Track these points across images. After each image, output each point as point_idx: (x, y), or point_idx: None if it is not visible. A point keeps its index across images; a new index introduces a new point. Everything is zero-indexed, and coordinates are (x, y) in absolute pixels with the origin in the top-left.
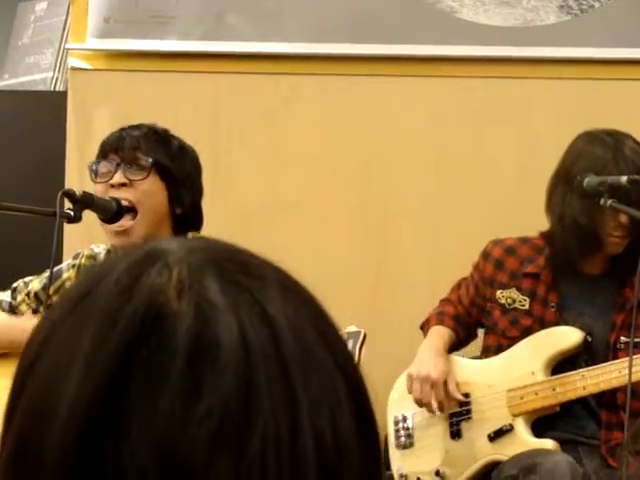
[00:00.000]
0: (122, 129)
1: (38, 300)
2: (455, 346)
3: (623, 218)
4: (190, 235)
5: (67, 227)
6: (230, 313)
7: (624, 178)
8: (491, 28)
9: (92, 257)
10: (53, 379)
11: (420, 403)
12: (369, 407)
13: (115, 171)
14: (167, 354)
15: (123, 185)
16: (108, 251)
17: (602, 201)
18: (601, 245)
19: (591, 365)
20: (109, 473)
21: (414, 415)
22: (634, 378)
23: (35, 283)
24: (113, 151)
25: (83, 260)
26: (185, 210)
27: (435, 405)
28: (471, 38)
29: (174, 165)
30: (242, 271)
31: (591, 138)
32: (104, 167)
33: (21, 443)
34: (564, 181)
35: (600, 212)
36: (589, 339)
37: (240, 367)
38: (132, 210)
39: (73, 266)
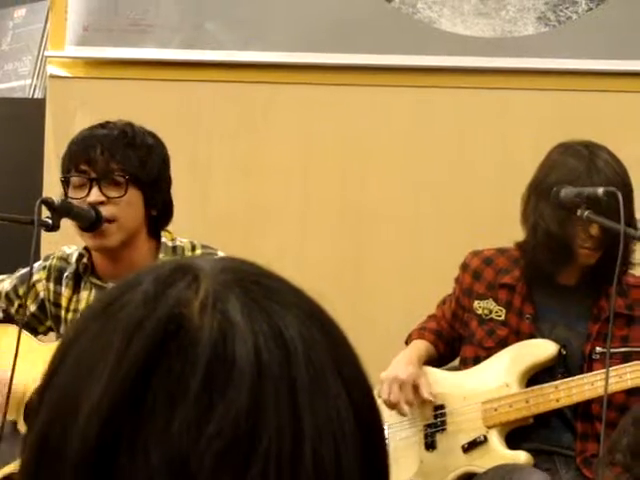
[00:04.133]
0: (89, 133)
1: (9, 300)
2: (436, 360)
3: (594, 230)
4: (164, 235)
5: (44, 235)
6: (248, 333)
7: (601, 190)
8: (469, 38)
9: (63, 259)
10: (76, 382)
11: (388, 404)
12: (379, 444)
13: (90, 187)
14: (187, 367)
15: (101, 203)
16: (80, 254)
17: (579, 212)
18: (572, 256)
19: (567, 377)
20: (118, 478)
21: (389, 426)
22: (609, 389)
23: (6, 283)
24: (84, 162)
25: (54, 261)
26: (159, 211)
27: (404, 407)
28: (449, 48)
29: (146, 170)
30: (266, 295)
31: (565, 149)
32: (77, 181)
33: (43, 442)
34: (537, 192)
35: (571, 223)
36: (563, 352)
37: (252, 387)
38: (111, 221)
39: (44, 267)
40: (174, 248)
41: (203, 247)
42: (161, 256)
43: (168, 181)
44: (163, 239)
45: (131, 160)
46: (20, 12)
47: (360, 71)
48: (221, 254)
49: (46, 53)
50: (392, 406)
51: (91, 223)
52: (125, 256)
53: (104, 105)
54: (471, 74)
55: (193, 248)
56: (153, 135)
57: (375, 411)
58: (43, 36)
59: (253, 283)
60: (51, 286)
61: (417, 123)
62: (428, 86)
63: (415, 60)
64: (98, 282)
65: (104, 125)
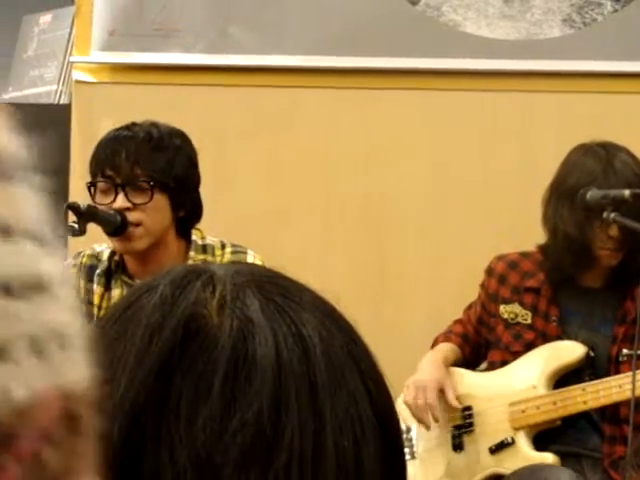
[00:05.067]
0: (115, 136)
1: None
2: (462, 364)
3: (613, 231)
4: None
5: (71, 240)
6: (267, 331)
7: (627, 192)
8: (494, 41)
9: (94, 256)
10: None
11: (413, 409)
12: (396, 436)
13: (116, 193)
14: (209, 364)
15: (127, 209)
16: (112, 252)
17: (605, 214)
18: (593, 258)
19: (594, 379)
20: (145, 476)
21: (418, 427)
22: (636, 392)
23: None
24: (110, 168)
25: (84, 259)
26: (187, 211)
27: (428, 415)
28: (474, 51)
29: (172, 174)
30: (282, 293)
31: (584, 150)
32: (103, 186)
33: None
34: (557, 194)
35: (590, 225)
36: (591, 354)
37: (273, 383)
38: (138, 225)
39: (74, 265)
40: (204, 247)
41: (233, 246)
42: (191, 254)
43: (196, 180)
44: (193, 237)
45: (157, 165)
46: (46, 18)
47: (384, 74)
48: (251, 253)
49: (71, 59)
50: (417, 411)
51: (116, 228)
52: (154, 257)
53: (129, 110)
54: (496, 77)
55: (223, 246)
56: (180, 134)
57: (391, 405)
58: (69, 42)
59: (269, 283)
60: (82, 283)
61: (441, 126)
62: (452, 89)
63: (439, 63)
64: (129, 281)
65: (130, 127)
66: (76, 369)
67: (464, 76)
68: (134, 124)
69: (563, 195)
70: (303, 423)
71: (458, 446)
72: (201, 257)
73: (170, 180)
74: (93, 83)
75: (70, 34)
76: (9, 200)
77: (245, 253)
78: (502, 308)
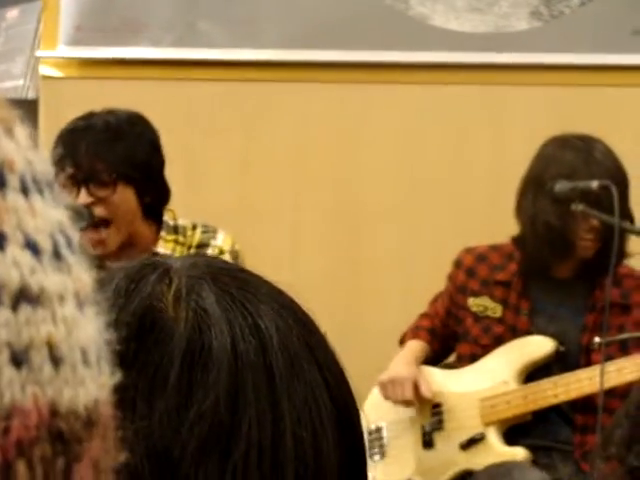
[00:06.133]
0: (73, 129)
1: None
2: (431, 359)
3: (595, 222)
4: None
5: None
6: (223, 323)
7: (595, 183)
8: (463, 34)
9: None
10: None
11: (395, 401)
12: (355, 423)
13: (78, 188)
14: (164, 358)
15: (91, 203)
16: None
17: (573, 206)
18: (572, 249)
19: (564, 372)
20: None
21: (388, 425)
22: (609, 384)
23: None
24: (70, 164)
25: None
26: (153, 197)
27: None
28: (443, 44)
29: (134, 163)
30: (238, 285)
31: (562, 143)
32: (66, 182)
33: None
34: (535, 186)
35: (572, 216)
36: (561, 349)
37: (230, 374)
38: (105, 222)
39: None
40: (175, 227)
41: (204, 226)
42: (163, 234)
43: (160, 165)
44: (165, 217)
45: (117, 156)
46: (13, 13)
47: (354, 68)
48: (221, 232)
49: (38, 53)
50: (398, 402)
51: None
52: (129, 252)
53: (97, 105)
54: (465, 70)
55: (194, 227)
56: (138, 118)
57: (350, 395)
58: (36, 36)
59: (226, 276)
60: None
61: (411, 120)
62: (422, 83)
63: (409, 57)
64: None
65: (87, 117)
66: (73, 387)
67: (433, 69)
68: (91, 114)
69: (542, 187)
70: (261, 413)
71: (428, 443)
72: (172, 237)
73: (133, 170)
74: (60, 78)
75: (37, 29)
76: (15, 211)
77: (215, 232)
78: (471, 301)
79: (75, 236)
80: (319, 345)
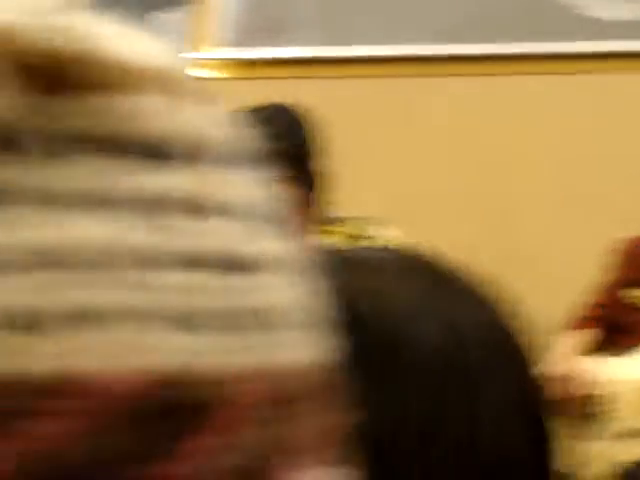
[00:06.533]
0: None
1: None
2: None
3: None
4: None
5: None
6: (422, 318)
7: None
8: (617, 23)
9: None
10: None
11: None
12: (545, 429)
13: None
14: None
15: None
16: None
17: None
18: None
19: None
20: None
21: None
22: None
23: None
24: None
25: None
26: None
27: None
28: (591, 33)
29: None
30: (434, 279)
31: None
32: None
33: None
34: None
35: None
36: None
37: (431, 372)
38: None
39: None
40: (335, 219)
41: (358, 219)
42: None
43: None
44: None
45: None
46: (164, 16)
47: (504, 60)
48: (384, 224)
49: (192, 55)
50: None
51: None
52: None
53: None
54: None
55: (349, 219)
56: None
57: (541, 392)
58: (185, 39)
59: (421, 268)
60: None
61: (561, 112)
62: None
63: (562, 47)
64: None
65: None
66: (288, 350)
67: (586, 59)
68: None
69: None
70: (459, 412)
71: None
72: (334, 228)
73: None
74: (214, 79)
75: (186, 31)
76: (214, 182)
77: (380, 224)
78: (636, 292)
79: (277, 208)
80: (515, 341)
